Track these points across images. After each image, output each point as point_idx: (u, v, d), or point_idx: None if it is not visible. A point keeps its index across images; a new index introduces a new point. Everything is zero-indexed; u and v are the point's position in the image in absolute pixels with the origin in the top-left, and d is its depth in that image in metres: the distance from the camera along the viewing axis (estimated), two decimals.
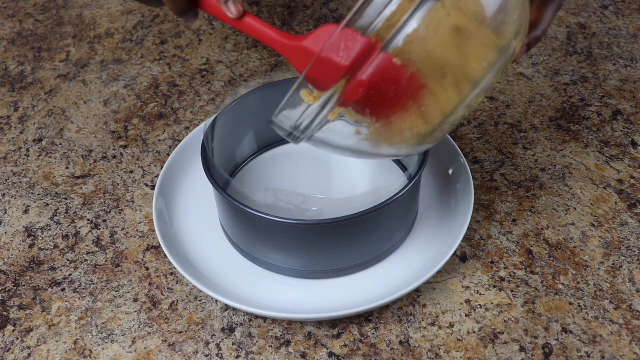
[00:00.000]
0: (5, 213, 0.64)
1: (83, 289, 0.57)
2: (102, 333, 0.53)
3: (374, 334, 0.52)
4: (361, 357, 0.51)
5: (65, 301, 0.56)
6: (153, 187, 0.65)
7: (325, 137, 0.45)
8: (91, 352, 0.52)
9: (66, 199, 0.65)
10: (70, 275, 0.58)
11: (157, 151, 0.69)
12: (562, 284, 0.55)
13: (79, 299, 0.56)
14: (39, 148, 0.71)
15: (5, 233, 0.62)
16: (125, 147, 0.70)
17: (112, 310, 0.55)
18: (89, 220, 0.62)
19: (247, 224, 0.53)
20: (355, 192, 0.60)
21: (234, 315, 0.54)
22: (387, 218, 0.53)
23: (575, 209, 0.61)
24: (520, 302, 0.54)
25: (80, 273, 0.58)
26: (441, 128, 0.44)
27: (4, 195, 0.66)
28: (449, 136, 0.62)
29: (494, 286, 0.55)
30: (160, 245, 0.58)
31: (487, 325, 0.52)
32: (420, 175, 0.53)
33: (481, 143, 0.68)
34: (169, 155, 0.65)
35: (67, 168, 0.68)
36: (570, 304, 0.54)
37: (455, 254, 0.58)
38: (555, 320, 0.53)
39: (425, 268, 0.53)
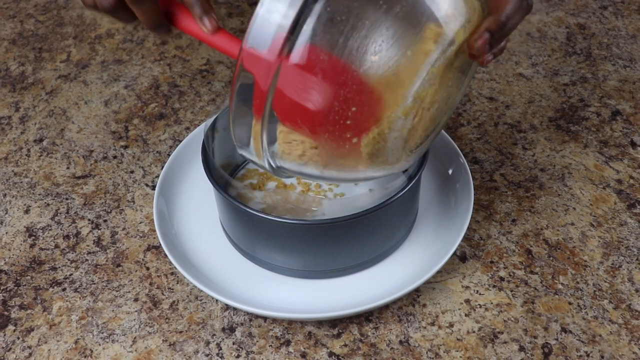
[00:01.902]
0: (6, 213, 0.64)
1: (84, 288, 0.57)
2: (102, 333, 0.53)
3: (373, 333, 0.52)
4: (361, 356, 0.51)
5: (66, 301, 0.56)
6: (153, 187, 0.66)
7: (294, 168, 0.45)
8: (92, 351, 0.52)
9: (67, 199, 0.65)
10: (71, 275, 0.58)
11: (157, 151, 0.70)
12: (562, 283, 0.55)
13: (80, 298, 0.56)
14: (39, 148, 0.71)
15: (6, 233, 0.62)
16: (126, 147, 0.70)
17: (113, 310, 0.55)
18: (89, 220, 0.63)
19: (247, 224, 0.53)
20: (355, 192, 0.61)
21: (234, 315, 0.54)
22: (387, 218, 0.53)
23: (574, 209, 0.62)
24: (520, 302, 0.54)
25: (81, 273, 0.58)
26: (393, 128, 0.42)
27: (5, 195, 0.66)
28: (448, 136, 0.62)
29: (494, 286, 0.55)
30: (160, 245, 0.58)
31: (487, 324, 0.53)
32: (420, 175, 0.53)
33: (481, 143, 0.69)
34: (169, 155, 0.65)
35: (67, 168, 0.68)
36: (570, 303, 0.54)
37: (454, 253, 0.58)
38: (554, 320, 0.53)
39: (425, 268, 0.53)
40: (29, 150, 0.71)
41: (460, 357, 0.51)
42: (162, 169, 0.64)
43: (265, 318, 0.54)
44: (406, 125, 0.42)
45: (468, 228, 0.56)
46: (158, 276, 0.57)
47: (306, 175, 0.46)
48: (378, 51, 0.39)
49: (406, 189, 0.51)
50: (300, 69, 0.39)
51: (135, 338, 0.53)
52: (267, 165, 0.46)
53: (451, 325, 0.53)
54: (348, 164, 0.44)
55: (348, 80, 0.39)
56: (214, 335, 0.53)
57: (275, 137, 0.43)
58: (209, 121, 0.57)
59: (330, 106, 0.40)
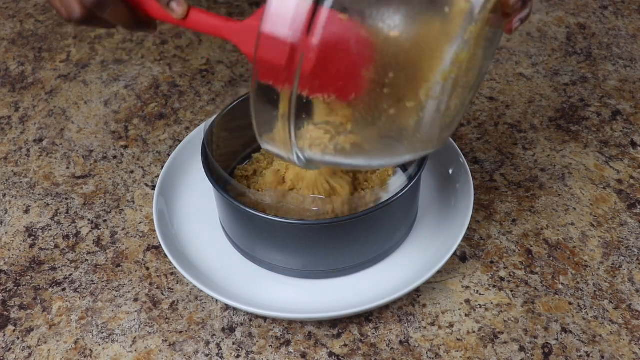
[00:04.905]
0: (6, 213, 0.64)
1: (83, 288, 0.57)
2: (102, 333, 0.53)
3: (374, 333, 0.52)
4: (361, 356, 0.51)
5: (66, 301, 0.56)
6: (153, 187, 0.65)
7: (324, 158, 0.43)
8: (92, 351, 0.52)
9: (67, 199, 0.65)
10: (70, 275, 0.58)
11: (157, 151, 0.70)
12: (562, 283, 0.55)
13: (80, 298, 0.56)
14: (39, 148, 0.71)
15: (6, 233, 0.62)
16: (126, 147, 0.70)
17: (113, 310, 0.55)
18: (89, 220, 0.63)
19: (247, 224, 0.53)
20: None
21: (234, 315, 0.54)
22: (387, 218, 0.53)
23: (574, 209, 0.62)
24: (520, 302, 0.54)
25: (81, 273, 0.58)
26: (431, 95, 0.39)
27: (4, 195, 0.66)
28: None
29: (494, 286, 0.55)
30: (160, 245, 0.58)
31: (487, 325, 0.52)
32: (420, 175, 0.53)
33: (481, 143, 0.69)
34: (169, 155, 0.65)
35: (67, 168, 0.68)
36: (570, 303, 0.54)
37: (455, 253, 0.58)
38: (554, 320, 0.53)
39: (425, 268, 0.53)
40: (28, 150, 0.71)
41: (461, 357, 0.50)
42: (162, 169, 0.64)
43: (265, 318, 0.54)
44: (444, 93, 0.40)
45: (468, 228, 0.56)
46: (158, 276, 0.57)
47: (338, 164, 0.44)
48: (412, 11, 0.37)
49: (406, 189, 0.51)
50: (327, 44, 0.37)
51: (135, 338, 0.53)
52: (295, 159, 0.44)
53: (451, 325, 0.53)
54: (383, 145, 0.42)
55: (382, 45, 0.37)
56: (214, 335, 0.53)
57: (302, 126, 0.41)
58: (209, 121, 0.57)
59: (364, 79, 0.38)
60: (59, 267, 0.58)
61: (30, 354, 0.52)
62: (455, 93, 0.42)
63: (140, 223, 0.62)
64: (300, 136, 0.42)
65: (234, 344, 0.52)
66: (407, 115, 0.40)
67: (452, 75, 0.39)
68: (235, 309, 0.54)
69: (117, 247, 0.60)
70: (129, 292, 0.56)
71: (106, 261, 0.59)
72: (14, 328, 0.54)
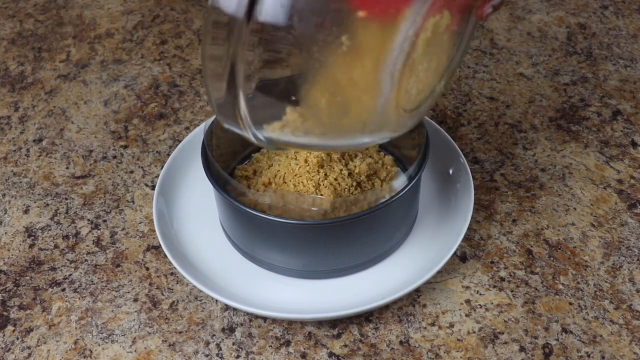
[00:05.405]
0: (5, 213, 0.64)
1: (83, 288, 0.57)
2: (102, 333, 0.53)
3: (374, 334, 0.52)
4: (361, 357, 0.51)
5: (66, 301, 0.56)
6: (153, 187, 0.65)
7: (282, 137, 0.41)
8: (91, 352, 0.52)
9: (66, 199, 0.65)
10: (70, 275, 0.58)
11: (157, 151, 0.69)
12: (562, 284, 0.55)
13: (79, 298, 0.56)
14: (39, 148, 0.71)
15: (5, 233, 0.62)
16: (126, 147, 0.70)
17: (112, 310, 0.55)
18: (89, 220, 0.63)
19: (247, 224, 0.53)
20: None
21: (234, 315, 0.54)
22: (387, 218, 0.53)
23: (575, 209, 0.61)
24: (520, 302, 0.54)
25: (81, 273, 0.58)
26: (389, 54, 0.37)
27: (4, 195, 0.66)
28: (448, 136, 0.62)
29: (494, 286, 0.55)
30: (160, 245, 0.58)
31: (487, 325, 0.52)
32: (420, 175, 0.53)
33: (481, 143, 0.68)
34: (169, 155, 0.65)
35: (67, 168, 0.68)
36: (570, 304, 0.54)
37: (455, 253, 0.58)
38: (555, 320, 0.53)
39: (425, 268, 0.53)
40: (28, 150, 0.71)
41: (461, 357, 0.50)
42: (161, 169, 0.64)
43: (265, 318, 0.54)
44: (399, 60, 0.38)
45: (468, 228, 0.56)
46: (158, 276, 0.57)
47: (296, 144, 0.42)
48: None
49: (406, 189, 0.51)
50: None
51: (134, 338, 0.53)
52: (252, 137, 0.42)
53: (451, 325, 0.53)
54: (338, 124, 0.40)
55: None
56: (214, 335, 0.53)
57: (255, 104, 0.39)
58: (209, 121, 0.57)
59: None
60: (59, 267, 0.58)
61: (29, 354, 0.52)
62: (416, 77, 0.40)
63: (140, 223, 0.62)
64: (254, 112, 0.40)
65: (233, 344, 0.52)
66: (362, 76, 0.38)
67: (410, 40, 0.37)
68: (235, 309, 0.54)
69: (117, 247, 0.60)
70: (128, 292, 0.56)
71: (106, 261, 0.59)
72: (13, 328, 0.54)
